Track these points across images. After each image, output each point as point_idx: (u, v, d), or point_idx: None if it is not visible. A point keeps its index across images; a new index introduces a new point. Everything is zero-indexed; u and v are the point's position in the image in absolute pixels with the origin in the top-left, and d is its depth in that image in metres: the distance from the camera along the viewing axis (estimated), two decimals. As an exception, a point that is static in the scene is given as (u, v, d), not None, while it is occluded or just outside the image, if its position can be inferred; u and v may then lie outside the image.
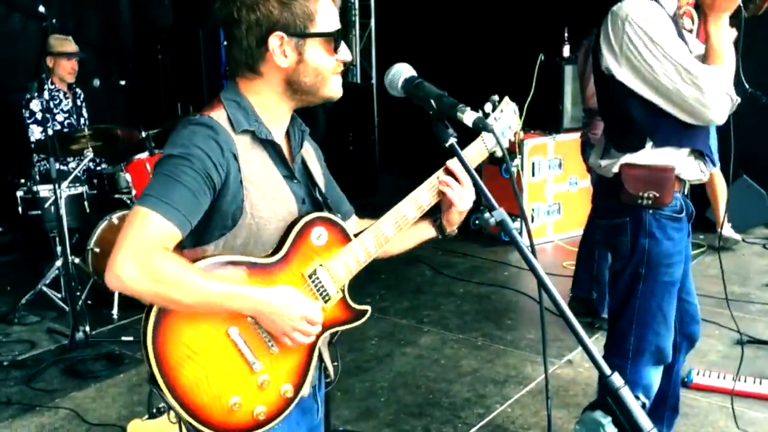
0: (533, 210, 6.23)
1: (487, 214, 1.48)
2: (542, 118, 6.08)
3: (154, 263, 1.42)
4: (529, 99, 5.36)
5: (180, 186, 1.47)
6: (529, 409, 3.55)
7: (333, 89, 1.66)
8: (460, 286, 5.33)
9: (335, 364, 1.83)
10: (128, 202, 5.01)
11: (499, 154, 1.80)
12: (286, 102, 1.66)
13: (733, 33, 2.52)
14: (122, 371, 4.02)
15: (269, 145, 1.64)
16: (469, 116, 1.50)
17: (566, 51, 6.04)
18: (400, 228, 1.75)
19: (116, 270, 1.41)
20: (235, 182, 1.56)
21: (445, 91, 1.56)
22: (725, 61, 2.43)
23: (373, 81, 8.76)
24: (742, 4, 2.42)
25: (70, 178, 4.77)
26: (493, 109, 1.87)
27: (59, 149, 4.52)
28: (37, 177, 4.84)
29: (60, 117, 5.37)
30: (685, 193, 2.66)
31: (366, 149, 8.34)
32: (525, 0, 7.27)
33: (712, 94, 2.37)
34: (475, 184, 1.59)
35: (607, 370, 1.29)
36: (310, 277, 1.63)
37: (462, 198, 1.77)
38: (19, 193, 4.81)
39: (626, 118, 2.53)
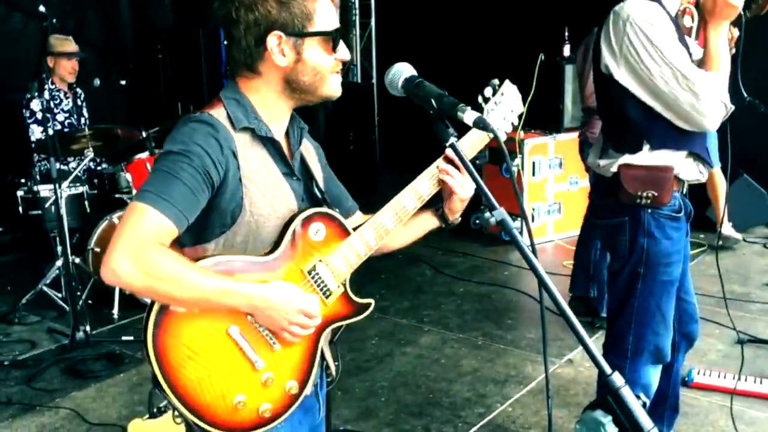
0: (533, 209, 6.24)
1: (487, 214, 1.48)
2: (542, 118, 6.08)
3: (150, 258, 1.42)
4: (529, 98, 5.34)
5: (178, 182, 1.47)
6: (530, 409, 3.55)
7: (332, 88, 1.66)
8: (460, 286, 5.33)
9: (336, 363, 1.83)
10: (129, 201, 4.99)
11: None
12: (285, 101, 1.66)
13: (735, 32, 2.52)
14: (123, 371, 4.02)
15: (269, 143, 1.64)
16: (469, 116, 1.50)
17: (566, 50, 6.03)
18: (401, 219, 1.74)
19: (112, 264, 1.42)
20: (234, 180, 1.56)
21: (445, 91, 1.56)
22: (721, 69, 2.43)
23: (374, 80, 8.76)
24: (743, 6, 2.41)
25: (71, 177, 4.77)
26: (494, 93, 1.83)
27: (60, 149, 4.53)
28: (38, 177, 4.84)
29: (60, 117, 5.37)
30: (684, 192, 2.66)
31: (366, 149, 8.33)
32: (525, 0, 7.27)
33: (708, 100, 2.37)
34: (476, 184, 1.58)
35: (608, 370, 1.30)
36: (309, 272, 1.63)
37: (463, 186, 1.75)
38: (20, 193, 4.81)
39: (624, 118, 2.53)
